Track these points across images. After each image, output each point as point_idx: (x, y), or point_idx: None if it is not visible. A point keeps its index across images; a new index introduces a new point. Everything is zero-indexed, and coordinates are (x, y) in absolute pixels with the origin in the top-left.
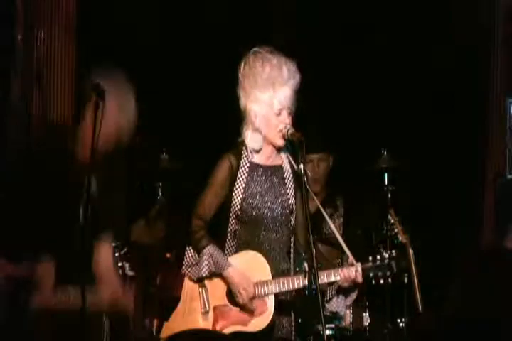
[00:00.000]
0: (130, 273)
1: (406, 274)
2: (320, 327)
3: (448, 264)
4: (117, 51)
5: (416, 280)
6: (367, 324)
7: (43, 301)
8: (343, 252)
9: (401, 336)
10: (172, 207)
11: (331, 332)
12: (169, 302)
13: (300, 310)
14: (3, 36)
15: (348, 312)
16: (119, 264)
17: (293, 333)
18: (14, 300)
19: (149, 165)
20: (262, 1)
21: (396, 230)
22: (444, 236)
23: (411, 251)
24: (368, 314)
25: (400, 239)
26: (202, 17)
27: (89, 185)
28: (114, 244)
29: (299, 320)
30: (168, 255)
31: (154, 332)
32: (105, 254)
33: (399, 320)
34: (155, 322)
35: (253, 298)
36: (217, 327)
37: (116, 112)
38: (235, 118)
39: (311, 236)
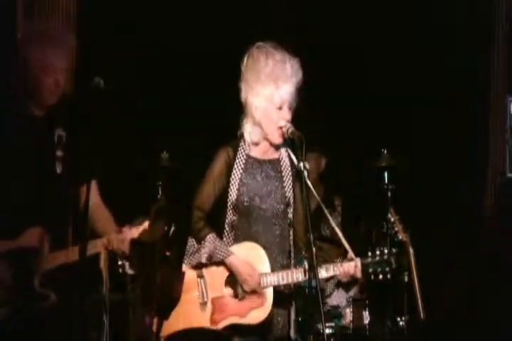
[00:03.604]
0: (130, 271)
1: (406, 273)
2: (320, 326)
3: (448, 263)
4: (118, 51)
5: (416, 279)
6: (367, 322)
7: (44, 265)
8: (344, 251)
9: (401, 334)
10: (172, 206)
11: (331, 331)
12: (169, 301)
13: (300, 308)
14: (3, 36)
15: (348, 310)
16: (119, 263)
17: (291, 329)
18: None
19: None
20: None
21: (396, 229)
22: (444, 235)
23: (411, 250)
24: (368, 312)
25: (400, 237)
26: (202, 15)
27: (61, 139)
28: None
29: (300, 319)
30: (168, 253)
31: (154, 331)
32: (92, 195)
33: (399, 319)
34: (155, 321)
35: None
36: (216, 319)
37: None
38: (235, 118)
39: (312, 234)
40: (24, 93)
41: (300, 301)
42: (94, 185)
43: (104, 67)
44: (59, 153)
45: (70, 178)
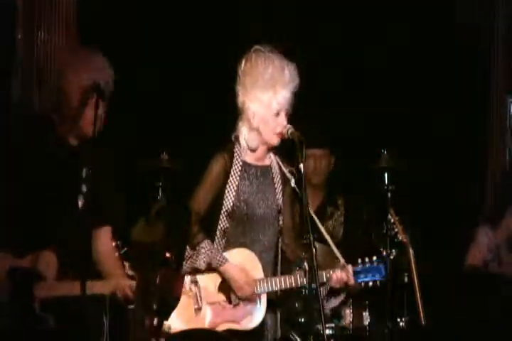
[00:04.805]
0: (130, 272)
1: (406, 274)
2: (320, 327)
3: (447, 264)
4: (117, 51)
5: (416, 280)
6: (367, 323)
7: (46, 291)
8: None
9: (401, 335)
10: (172, 207)
11: (331, 332)
12: (169, 302)
13: (300, 309)
14: (3, 36)
15: (348, 311)
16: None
17: (278, 333)
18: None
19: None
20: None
21: (396, 229)
22: (444, 236)
23: (411, 251)
24: (368, 313)
25: (400, 238)
26: (201, 16)
27: (88, 175)
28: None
29: (300, 320)
30: (168, 255)
31: (154, 332)
32: (104, 240)
33: (399, 319)
34: (155, 322)
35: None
36: (210, 325)
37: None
38: (235, 118)
39: (312, 236)
40: (62, 123)
41: (300, 302)
42: (107, 230)
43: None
44: (84, 188)
45: (88, 215)
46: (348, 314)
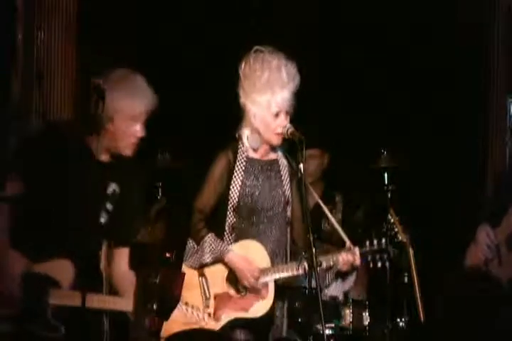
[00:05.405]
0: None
1: (406, 273)
2: (320, 327)
3: (447, 263)
4: (117, 51)
5: (416, 280)
6: (367, 323)
7: (60, 299)
8: (342, 242)
9: (401, 335)
10: (172, 207)
11: (330, 332)
12: (169, 302)
13: (300, 309)
14: (3, 36)
15: (348, 311)
16: None
17: (284, 324)
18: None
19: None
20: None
21: (396, 229)
22: (444, 236)
23: (411, 251)
24: (367, 313)
25: (400, 238)
26: (202, 16)
27: (114, 192)
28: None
29: (300, 320)
30: (168, 255)
31: (154, 332)
32: (123, 262)
33: (399, 320)
34: (155, 322)
35: (257, 280)
36: (219, 315)
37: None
38: (235, 118)
39: (312, 235)
40: (96, 139)
41: (300, 302)
42: (126, 252)
43: (105, 67)
44: (108, 206)
45: (109, 233)
46: (348, 314)
